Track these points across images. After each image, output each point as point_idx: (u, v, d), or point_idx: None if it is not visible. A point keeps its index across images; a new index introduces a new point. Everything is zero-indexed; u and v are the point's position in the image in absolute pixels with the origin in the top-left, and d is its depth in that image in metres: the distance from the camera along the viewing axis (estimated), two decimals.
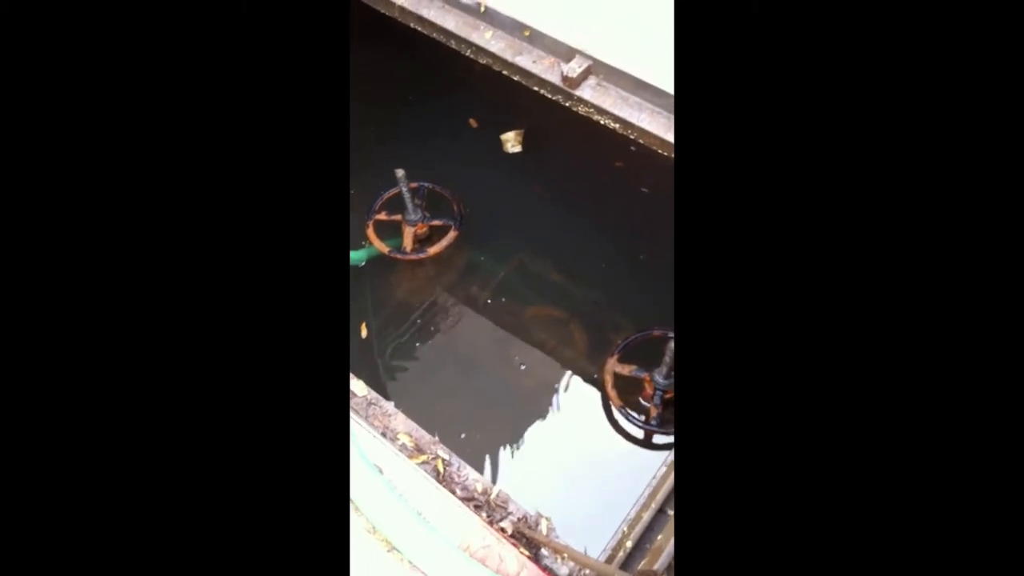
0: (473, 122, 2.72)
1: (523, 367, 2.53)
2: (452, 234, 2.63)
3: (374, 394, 1.59)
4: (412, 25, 2.18)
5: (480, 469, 2.30)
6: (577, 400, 2.49)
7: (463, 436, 2.33)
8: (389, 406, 1.58)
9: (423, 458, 1.54)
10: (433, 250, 2.60)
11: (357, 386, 1.58)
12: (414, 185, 2.66)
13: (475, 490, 1.49)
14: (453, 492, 1.47)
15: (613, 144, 2.28)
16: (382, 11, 2.23)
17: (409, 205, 2.57)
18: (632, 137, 2.04)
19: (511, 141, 2.59)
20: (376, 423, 1.56)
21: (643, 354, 2.39)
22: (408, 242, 2.61)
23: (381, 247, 2.62)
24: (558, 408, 2.47)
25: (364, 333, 2.52)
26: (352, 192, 2.76)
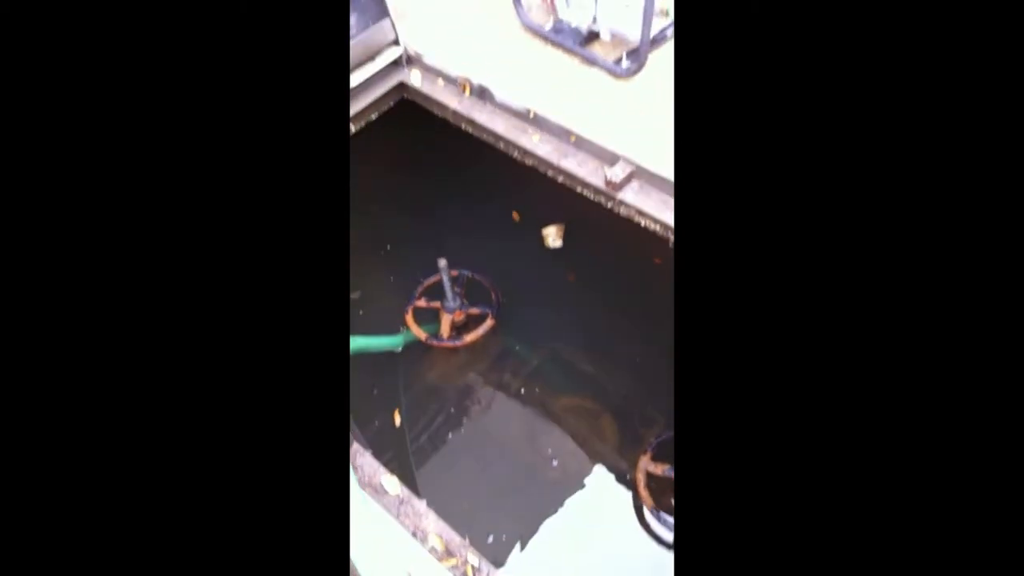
0: (516, 215, 2.79)
1: (555, 462, 2.50)
2: (489, 323, 2.66)
3: (406, 491, 1.58)
4: (463, 127, 2.28)
5: (508, 570, 2.23)
6: (608, 499, 2.43)
7: (491, 536, 2.28)
8: (421, 505, 1.56)
9: (453, 562, 1.51)
10: (469, 338, 2.63)
11: (390, 483, 1.58)
12: (455, 273, 2.72)
13: None
14: None
15: (653, 242, 2.32)
16: (435, 112, 2.34)
17: (449, 293, 2.62)
18: (672, 238, 2.07)
19: (552, 235, 2.65)
20: (407, 522, 1.55)
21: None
22: (445, 329, 2.64)
23: (419, 333, 2.65)
24: (588, 507, 2.41)
25: (398, 421, 2.53)
26: (392, 279, 2.83)
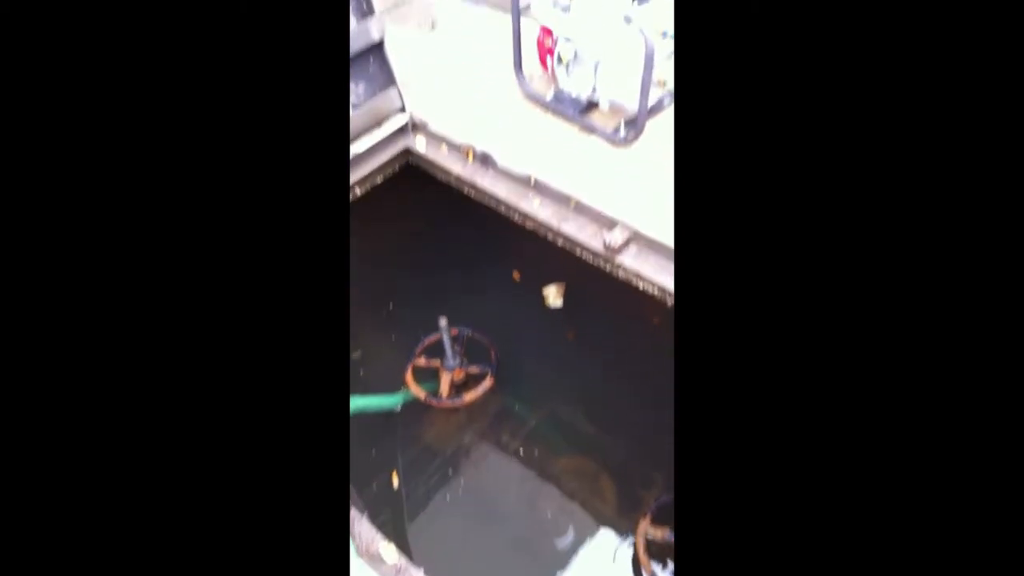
0: (516, 275, 2.83)
1: (554, 525, 2.46)
2: (488, 382, 2.66)
3: (404, 561, 1.55)
4: (466, 191, 2.34)
5: None
6: (608, 563, 2.39)
7: None
8: (418, 574, 1.54)
9: None
10: (469, 397, 2.63)
11: (387, 552, 1.56)
12: (455, 332, 2.73)
13: None
14: None
15: (651, 304, 2.34)
16: (439, 177, 2.41)
17: (449, 351, 2.63)
18: (670, 303, 2.10)
19: (552, 295, 2.68)
20: None
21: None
22: (444, 388, 2.64)
23: (418, 392, 2.65)
24: (588, 572, 2.36)
25: (396, 483, 2.50)
26: (394, 337, 2.85)
